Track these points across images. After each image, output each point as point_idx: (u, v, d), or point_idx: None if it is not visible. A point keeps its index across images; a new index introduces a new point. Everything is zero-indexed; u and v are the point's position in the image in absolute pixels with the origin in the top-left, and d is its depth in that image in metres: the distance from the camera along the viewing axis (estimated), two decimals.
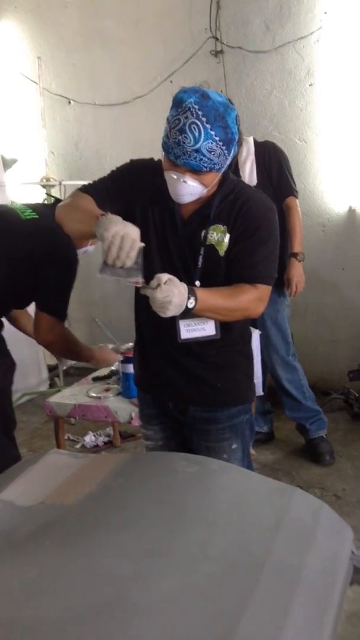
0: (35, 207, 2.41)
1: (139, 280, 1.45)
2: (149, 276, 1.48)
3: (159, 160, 1.67)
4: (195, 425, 1.79)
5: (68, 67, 4.52)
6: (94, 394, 2.92)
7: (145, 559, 1.06)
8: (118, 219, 1.43)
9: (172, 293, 1.43)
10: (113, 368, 3.15)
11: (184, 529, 1.13)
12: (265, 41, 3.97)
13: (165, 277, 1.45)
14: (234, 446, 1.78)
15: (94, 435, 3.63)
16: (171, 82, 4.18)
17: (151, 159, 1.73)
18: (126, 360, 2.82)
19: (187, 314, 1.50)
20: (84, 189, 1.69)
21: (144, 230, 1.57)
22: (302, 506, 1.22)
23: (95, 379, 3.13)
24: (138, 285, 1.47)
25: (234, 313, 1.62)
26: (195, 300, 1.49)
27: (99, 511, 1.21)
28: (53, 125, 4.58)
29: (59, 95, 4.56)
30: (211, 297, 1.54)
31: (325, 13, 3.79)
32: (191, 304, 1.48)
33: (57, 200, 2.46)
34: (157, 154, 1.75)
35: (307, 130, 3.98)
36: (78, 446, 3.57)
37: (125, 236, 1.39)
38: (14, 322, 2.64)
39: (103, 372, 3.19)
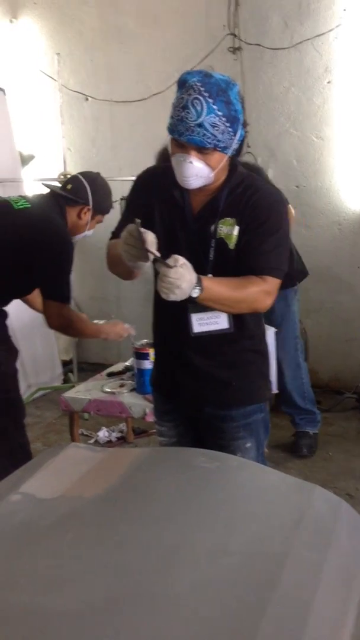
0: (28, 198, 2.47)
1: (155, 252, 1.46)
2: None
3: (164, 165, 1.69)
4: (210, 423, 1.79)
5: (86, 63, 4.54)
6: (109, 390, 2.94)
7: (165, 553, 1.06)
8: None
9: (183, 277, 1.44)
10: (127, 363, 3.17)
11: (203, 524, 1.14)
12: (284, 38, 3.96)
13: (182, 259, 1.46)
14: (248, 445, 1.77)
15: (108, 431, 3.65)
16: None
17: (156, 165, 1.79)
18: (140, 357, 2.83)
19: (191, 302, 1.51)
20: (113, 236, 1.76)
21: (150, 226, 1.60)
22: (321, 503, 1.22)
23: (110, 375, 3.15)
24: (156, 258, 1.46)
25: (240, 305, 1.62)
26: (201, 289, 1.49)
27: (119, 505, 1.22)
28: (70, 121, 4.59)
29: (77, 92, 4.57)
30: (217, 287, 1.54)
31: (345, 10, 3.77)
32: (195, 292, 1.49)
33: (51, 189, 2.52)
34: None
35: (325, 128, 3.96)
36: (91, 441, 3.58)
37: (125, 238, 1.47)
38: (26, 302, 2.67)
39: (117, 367, 3.21)
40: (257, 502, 1.22)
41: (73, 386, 3.67)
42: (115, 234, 1.73)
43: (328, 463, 3.23)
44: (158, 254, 1.45)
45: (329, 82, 3.91)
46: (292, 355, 3.25)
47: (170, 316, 1.64)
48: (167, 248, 1.58)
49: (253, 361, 1.79)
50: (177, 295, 1.45)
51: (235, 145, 1.57)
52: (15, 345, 2.46)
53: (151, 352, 2.80)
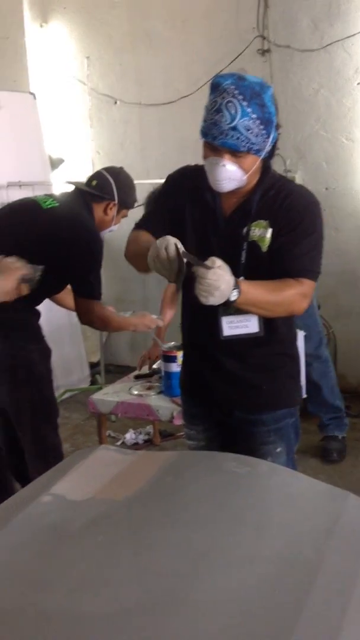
0: (55, 196, 2.50)
1: (192, 256, 1.44)
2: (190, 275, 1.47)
3: (196, 165, 1.68)
4: (240, 427, 1.78)
5: (115, 67, 4.56)
6: (136, 392, 2.94)
7: (197, 558, 1.06)
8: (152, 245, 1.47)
9: (222, 278, 1.42)
10: (155, 366, 3.17)
11: (235, 529, 1.13)
12: (314, 40, 3.92)
13: (220, 261, 1.44)
14: (278, 449, 1.75)
15: (134, 433, 3.65)
16: None
17: (187, 165, 1.76)
18: (168, 359, 2.83)
19: (229, 306, 1.49)
20: (138, 225, 1.75)
21: (180, 230, 1.61)
22: (354, 510, 1.20)
23: (137, 377, 3.15)
24: (194, 263, 1.44)
25: (277, 308, 1.61)
26: (239, 292, 1.47)
27: (150, 508, 1.22)
28: (99, 124, 4.63)
29: (106, 95, 4.60)
30: (254, 290, 1.52)
31: None
32: (234, 296, 1.46)
33: (77, 187, 2.53)
34: (202, 154, 1.77)
35: (355, 129, 3.92)
36: (118, 443, 3.59)
37: (157, 258, 1.44)
38: (54, 300, 2.69)
39: (145, 370, 3.21)
40: (288, 508, 1.21)
41: (101, 388, 3.69)
42: (140, 225, 1.74)
43: (357, 469, 3.19)
44: (194, 257, 1.44)
45: (359, 84, 3.86)
46: (317, 348, 3.22)
47: (200, 319, 1.64)
48: (199, 252, 1.56)
49: (284, 365, 1.78)
50: (215, 298, 1.43)
51: (268, 148, 1.56)
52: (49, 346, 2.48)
53: (179, 354, 2.80)
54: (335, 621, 0.91)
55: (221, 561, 1.04)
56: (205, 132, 1.53)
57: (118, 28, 4.50)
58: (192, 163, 1.79)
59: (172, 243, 1.43)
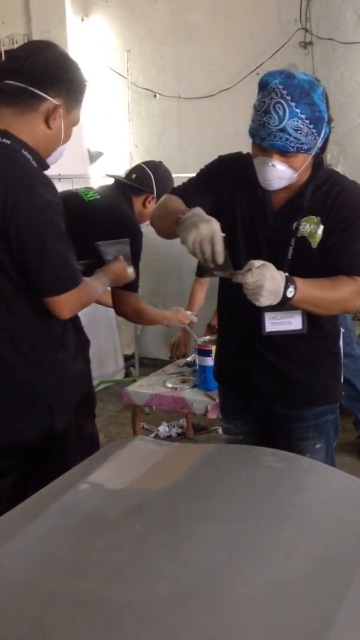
0: (96, 189, 2.51)
1: (230, 270, 1.43)
2: (238, 267, 1.45)
3: (248, 153, 1.64)
4: (279, 422, 1.76)
5: (155, 60, 4.57)
6: (171, 385, 2.95)
7: (233, 552, 1.05)
8: (190, 220, 1.41)
9: (264, 277, 1.39)
10: (189, 359, 3.18)
11: (273, 524, 1.12)
12: (357, 32, 3.87)
13: (258, 262, 1.42)
14: (317, 446, 1.73)
15: (168, 426, 3.67)
16: (258, 74, 4.12)
17: (239, 152, 1.72)
18: (202, 353, 2.84)
19: (286, 304, 1.46)
20: (174, 191, 1.71)
21: (230, 221, 1.57)
22: None
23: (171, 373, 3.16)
24: (230, 276, 1.43)
25: (334, 306, 1.59)
26: (295, 289, 1.45)
27: (186, 500, 1.21)
28: (138, 118, 4.64)
29: (145, 89, 4.61)
30: (310, 288, 1.50)
31: None
32: (290, 292, 1.44)
33: (117, 179, 2.55)
34: (241, 147, 1.74)
35: None
36: (152, 435, 3.61)
37: (202, 240, 1.38)
38: None
39: (180, 362, 3.21)
40: (327, 505, 1.19)
41: (135, 380, 3.72)
42: (176, 191, 1.69)
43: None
44: (231, 269, 1.42)
45: None
46: (348, 345, 3.18)
47: (242, 312, 1.60)
48: (248, 246, 1.54)
49: (326, 362, 1.76)
50: (266, 298, 1.41)
51: (319, 145, 1.52)
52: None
53: (214, 349, 2.80)
54: None
55: (257, 556, 1.04)
56: (254, 134, 1.51)
57: (159, 21, 4.50)
58: None
59: (219, 237, 1.39)
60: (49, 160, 1.66)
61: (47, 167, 1.66)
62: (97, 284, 1.94)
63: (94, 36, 4.72)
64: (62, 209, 1.63)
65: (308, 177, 1.59)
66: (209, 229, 1.38)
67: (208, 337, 2.99)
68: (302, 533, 1.09)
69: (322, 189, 1.60)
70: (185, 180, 1.75)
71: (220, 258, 1.39)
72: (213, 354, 2.78)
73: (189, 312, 2.72)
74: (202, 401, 2.79)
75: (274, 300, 1.42)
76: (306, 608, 0.92)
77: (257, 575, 0.99)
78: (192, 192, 1.67)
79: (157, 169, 2.56)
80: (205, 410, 2.78)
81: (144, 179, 2.50)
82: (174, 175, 2.71)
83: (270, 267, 1.42)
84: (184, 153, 4.52)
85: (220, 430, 2.39)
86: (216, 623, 0.91)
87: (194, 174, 1.76)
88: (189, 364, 3.15)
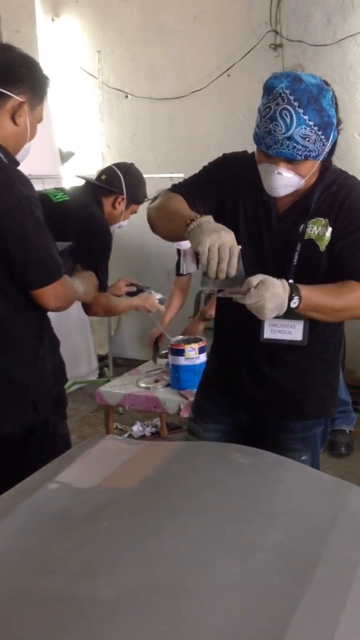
0: (65, 190, 2.51)
1: (240, 288, 1.35)
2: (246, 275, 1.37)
3: (253, 153, 1.59)
4: (266, 430, 1.69)
5: (127, 61, 4.57)
6: (144, 385, 2.96)
7: (199, 545, 1.06)
8: (209, 226, 1.33)
9: (263, 298, 1.33)
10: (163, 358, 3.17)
11: (238, 517, 1.14)
12: (326, 35, 3.91)
13: (256, 280, 1.35)
14: (303, 457, 1.67)
15: (142, 426, 3.67)
16: (229, 75, 4.17)
17: (244, 152, 1.65)
18: (175, 352, 2.85)
19: (291, 313, 1.40)
20: (174, 188, 1.61)
21: (233, 224, 1.48)
22: (357, 501, 1.21)
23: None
24: (230, 296, 1.37)
25: (342, 313, 1.51)
26: (300, 299, 1.39)
27: (154, 497, 1.23)
28: (110, 119, 4.63)
29: (117, 89, 4.61)
30: (316, 295, 1.44)
31: None
32: (294, 303, 1.38)
33: (87, 180, 2.55)
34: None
35: None
36: (126, 435, 3.61)
37: (221, 246, 1.29)
38: None
39: (162, 362, 3.19)
40: (292, 498, 1.21)
41: (108, 381, 3.71)
42: (179, 189, 1.60)
43: (330, 453, 3.18)
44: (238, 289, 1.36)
45: None
46: None
47: (240, 316, 1.52)
48: (251, 250, 1.46)
49: (323, 373, 1.69)
50: (269, 313, 1.35)
51: (328, 149, 1.46)
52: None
53: (187, 348, 2.81)
54: (333, 611, 0.91)
55: (222, 549, 1.05)
56: (259, 141, 1.43)
57: (130, 22, 4.50)
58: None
59: (237, 249, 1.32)
60: (17, 157, 1.71)
61: (17, 164, 1.70)
62: (78, 283, 1.97)
63: (65, 36, 4.70)
64: (39, 204, 1.68)
65: (315, 180, 1.53)
66: (230, 238, 1.32)
67: (181, 336, 3.01)
68: (266, 526, 1.11)
69: (330, 190, 1.53)
70: (157, 180, 1.73)
71: (233, 270, 1.32)
72: (186, 354, 2.81)
73: (158, 297, 2.71)
74: (175, 400, 2.81)
75: (279, 312, 1.37)
76: (268, 599, 0.94)
77: (221, 569, 1.01)
78: (195, 191, 1.59)
79: (127, 170, 2.57)
80: (178, 409, 2.80)
81: (114, 180, 2.51)
82: (146, 175, 2.72)
83: (270, 283, 1.35)
84: (157, 153, 4.53)
85: None
86: (180, 615, 0.93)
87: (166, 175, 1.75)
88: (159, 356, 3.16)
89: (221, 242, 1.30)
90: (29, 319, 1.71)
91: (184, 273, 3.16)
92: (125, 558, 1.05)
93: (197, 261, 1.36)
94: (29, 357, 1.71)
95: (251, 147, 1.59)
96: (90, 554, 1.07)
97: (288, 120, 1.36)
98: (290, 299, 1.38)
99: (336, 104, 1.46)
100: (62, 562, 1.05)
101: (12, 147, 1.66)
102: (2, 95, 1.60)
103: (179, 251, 3.05)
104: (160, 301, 2.72)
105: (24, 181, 1.64)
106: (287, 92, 1.36)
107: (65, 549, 1.08)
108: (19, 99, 1.61)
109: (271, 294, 1.34)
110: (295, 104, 1.35)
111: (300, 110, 1.36)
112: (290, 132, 1.36)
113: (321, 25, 3.92)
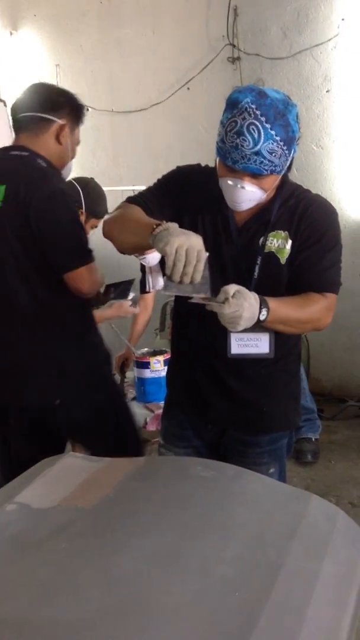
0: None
1: (207, 294, 1.33)
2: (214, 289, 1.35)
3: (207, 166, 1.60)
4: (233, 447, 1.69)
5: (86, 74, 4.56)
6: None
7: (159, 563, 1.06)
8: (176, 228, 1.32)
9: (242, 307, 1.33)
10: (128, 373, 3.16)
11: (198, 533, 1.13)
12: (282, 48, 3.97)
13: (232, 289, 1.34)
14: (271, 470, 1.67)
15: None
16: (188, 89, 4.20)
17: (198, 165, 1.65)
18: (140, 365, 2.84)
19: (258, 325, 1.39)
20: (131, 200, 1.60)
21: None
22: (317, 512, 1.21)
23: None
24: (204, 302, 1.35)
25: (306, 325, 1.53)
26: (268, 311, 1.39)
27: (114, 515, 1.21)
28: None
29: None
30: (283, 307, 1.44)
31: (343, 20, 3.79)
32: (263, 315, 1.38)
33: None
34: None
35: (324, 137, 3.97)
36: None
37: (190, 248, 1.27)
38: None
39: (128, 379, 3.17)
40: (252, 511, 1.22)
41: None
42: (136, 199, 1.58)
43: (331, 471, 3.22)
44: (207, 296, 1.33)
45: (328, 91, 3.92)
46: None
47: (205, 332, 1.50)
48: (212, 264, 1.41)
49: (288, 385, 1.69)
50: (242, 325, 1.35)
51: (288, 164, 1.46)
52: None
53: (152, 360, 2.80)
54: (294, 622, 0.91)
55: (184, 565, 1.05)
56: (224, 155, 1.41)
57: (89, 36, 4.51)
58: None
59: (204, 254, 1.29)
60: (62, 173, 1.98)
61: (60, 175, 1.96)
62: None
63: (23, 50, 4.68)
64: (74, 201, 1.94)
65: (274, 193, 1.53)
66: (199, 242, 1.30)
67: (146, 349, 2.99)
68: (227, 539, 1.11)
69: (288, 202, 1.53)
70: (120, 192, 1.72)
71: (199, 276, 1.29)
72: (151, 366, 2.80)
73: (129, 303, 2.69)
74: (140, 414, 2.78)
75: (249, 324, 1.37)
76: (229, 613, 0.94)
77: (183, 585, 1.00)
78: (152, 201, 1.58)
79: (86, 184, 2.56)
80: (144, 422, 2.77)
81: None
82: (109, 188, 2.71)
83: (245, 293, 1.35)
84: (119, 166, 4.53)
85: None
86: (143, 635, 0.91)
87: (129, 187, 1.75)
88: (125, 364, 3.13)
89: (190, 244, 1.28)
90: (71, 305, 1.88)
91: (149, 290, 3.14)
92: (85, 579, 1.03)
93: (164, 274, 1.33)
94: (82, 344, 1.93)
95: (212, 160, 1.56)
96: (49, 576, 1.05)
97: (256, 135, 1.35)
98: (260, 310, 1.38)
99: (299, 119, 1.46)
100: (20, 585, 1.03)
101: (57, 163, 1.92)
102: (48, 121, 1.90)
103: (143, 268, 3.04)
104: (133, 300, 2.71)
105: (61, 180, 1.92)
106: (253, 106, 1.35)
107: (22, 572, 1.06)
108: (60, 121, 1.91)
109: (249, 304, 1.34)
110: (262, 119, 1.35)
111: (268, 126, 1.35)
112: (258, 147, 1.36)
113: (277, 39, 3.99)
